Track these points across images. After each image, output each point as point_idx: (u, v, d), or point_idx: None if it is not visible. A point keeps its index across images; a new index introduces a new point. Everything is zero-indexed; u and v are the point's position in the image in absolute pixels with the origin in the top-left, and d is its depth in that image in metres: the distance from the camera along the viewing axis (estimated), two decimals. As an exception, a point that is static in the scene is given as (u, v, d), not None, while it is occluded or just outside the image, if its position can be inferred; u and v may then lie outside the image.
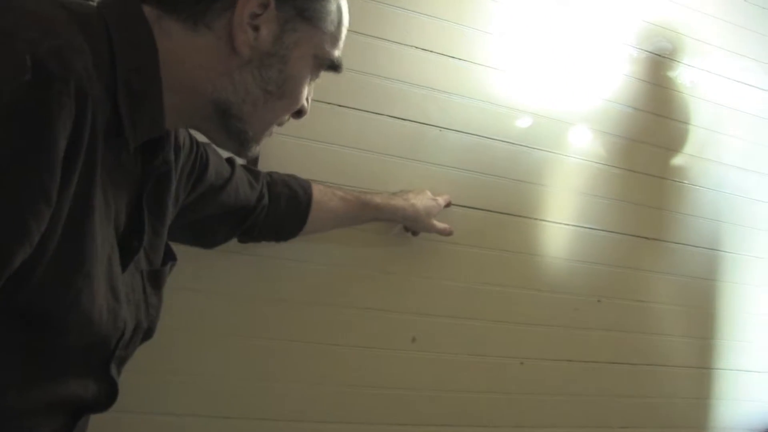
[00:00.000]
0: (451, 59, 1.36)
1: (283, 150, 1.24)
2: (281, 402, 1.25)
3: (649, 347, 1.60)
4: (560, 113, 1.47)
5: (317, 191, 1.14)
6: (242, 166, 1.06)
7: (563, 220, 1.50)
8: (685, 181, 1.63)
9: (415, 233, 1.32)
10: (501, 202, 1.42)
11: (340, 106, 1.28)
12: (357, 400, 1.32)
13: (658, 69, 1.58)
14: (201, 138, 0.83)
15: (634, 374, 1.58)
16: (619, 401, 1.57)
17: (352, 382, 1.31)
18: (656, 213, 1.60)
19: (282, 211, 1.08)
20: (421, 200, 1.26)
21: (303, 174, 1.21)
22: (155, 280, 0.78)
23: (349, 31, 1.27)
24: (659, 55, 1.58)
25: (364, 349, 1.32)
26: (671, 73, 1.60)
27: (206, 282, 1.19)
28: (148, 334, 0.78)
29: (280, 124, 0.78)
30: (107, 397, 0.72)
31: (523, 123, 1.44)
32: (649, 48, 1.57)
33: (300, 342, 1.27)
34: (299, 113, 0.79)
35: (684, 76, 1.62)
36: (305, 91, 0.75)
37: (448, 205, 1.34)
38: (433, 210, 1.27)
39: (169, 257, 0.83)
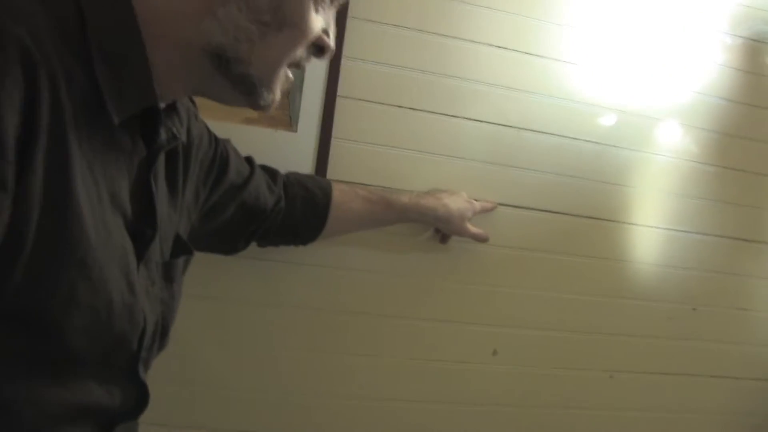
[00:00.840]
0: (527, 56, 1.29)
1: (352, 156, 1.20)
2: (366, 419, 1.21)
3: (752, 359, 1.47)
4: (647, 108, 1.37)
5: (337, 192, 1.07)
6: (260, 166, 1.00)
7: (654, 223, 1.39)
8: (789, 177, 1.48)
9: (444, 239, 1.24)
10: (586, 206, 1.33)
11: (412, 109, 1.23)
12: (434, 417, 1.26)
13: (755, 55, 1.45)
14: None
15: (737, 389, 1.45)
16: (719, 418, 1.45)
17: (429, 398, 1.26)
18: (756, 212, 1.46)
19: (298, 212, 1.03)
20: (455, 201, 1.17)
21: (375, 182, 1.17)
22: (166, 272, 0.70)
23: (420, 31, 1.26)
24: (756, 41, 1.45)
25: (440, 363, 1.27)
26: (770, 60, 1.47)
27: (253, 291, 1.16)
28: (163, 336, 0.70)
29: (297, 66, 0.66)
30: (137, 402, 0.66)
31: (607, 120, 1.34)
32: (745, 33, 1.44)
33: (373, 356, 1.22)
34: (321, 51, 0.67)
35: (785, 62, 1.48)
36: (312, 17, 0.63)
37: (490, 209, 1.26)
38: (468, 213, 1.19)
39: (182, 250, 0.75)
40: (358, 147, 1.21)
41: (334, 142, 1.19)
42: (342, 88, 1.19)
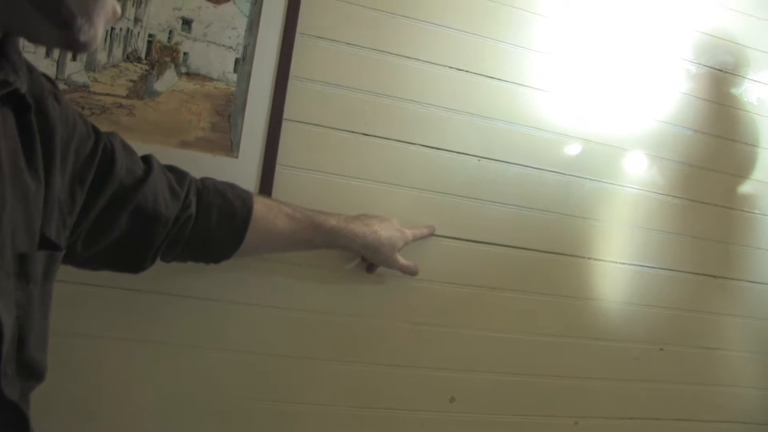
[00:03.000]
0: (489, 80, 1.21)
1: (298, 185, 1.10)
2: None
3: (720, 401, 1.41)
4: (613, 138, 1.31)
5: (260, 205, 0.93)
6: (166, 166, 0.86)
7: (619, 259, 1.32)
8: (756, 211, 1.44)
9: (371, 268, 1.12)
10: (549, 240, 1.26)
11: (365, 135, 1.13)
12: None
13: (719, 86, 1.41)
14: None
15: (705, 433, 1.39)
16: (688, 465, 1.37)
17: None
18: (723, 248, 1.41)
19: (213, 225, 0.87)
20: (386, 229, 1.07)
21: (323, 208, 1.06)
22: (21, 267, 0.57)
23: (375, 50, 1.17)
24: (720, 70, 1.41)
25: (390, 411, 1.16)
26: (735, 90, 1.43)
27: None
28: (20, 349, 0.55)
29: None
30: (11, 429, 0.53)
31: (571, 150, 1.27)
32: (709, 62, 1.40)
33: (307, 405, 1.11)
34: None
35: (749, 92, 1.44)
36: None
37: (426, 235, 1.15)
38: (398, 242, 1.08)
39: (45, 245, 0.61)
40: (305, 175, 1.11)
41: (279, 170, 1.09)
42: (289, 111, 1.09)
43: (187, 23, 1.14)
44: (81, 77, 1.08)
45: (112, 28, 1.11)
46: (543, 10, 1.25)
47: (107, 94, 1.09)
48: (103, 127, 0.78)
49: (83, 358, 0.99)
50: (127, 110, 1.09)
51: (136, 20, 1.12)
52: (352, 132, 1.13)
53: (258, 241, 0.93)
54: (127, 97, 1.09)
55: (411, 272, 1.12)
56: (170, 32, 1.13)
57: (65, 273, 0.69)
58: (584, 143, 1.28)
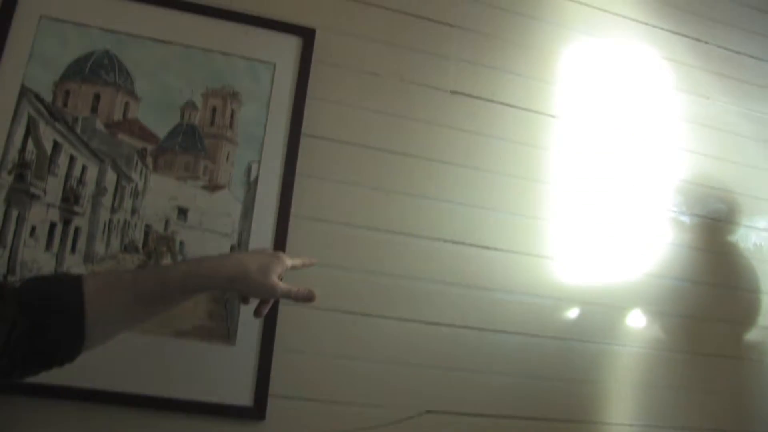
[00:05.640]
0: (484, 250, 1.22)
1: (298, 370, 1.08)
2: None
3: None
4: (612, 298, 1.30)
5: (91, 285, 0.78)
6: None
7: (626, 420, 1.28)
8: (766, 358, 1.41)
9: (245, 300, 0.94)
10: (555, 408, 1.22)
11: (363, 315, 1.13)
12: None
13: (714, 234, 1.41)
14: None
15: None
16: None
17: None
18: (735, 399, 1.37)
19: (52, 331, 0.75)
20: (254, 257, 0.90)
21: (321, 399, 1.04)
22: None
23: (369, 228, 1.18)
24: (714, 219, 1.42)
25: None
26: (731, 238, 1.43)
27: None
28: None
29: None
30: None
31: (571, 314, 1.26)
32: (702, 212, 1.41)
33: None
34: None
35: (746, 238, 1.44)
36: None
37: (308, 264, 0.97)
38: (274, 267, 0.88)
39: None
40: (304, 360, 1.10)
41: (276, 356, 1.08)
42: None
43: (183, 212, 1.16)
44: (79, 269, 1.09)
45: (110, 220, 1.13)
46: (540, 177, 1.28)
47: (104, 291, 1.09)
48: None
49: None
50: (122, 307, 1.09)
51: (133, 211, 1.14)
52: (350, 313, 1.13)
53: (104, 326, 0.80)
54: (124, 291, 1.10)
55: (303, 298, 0.91)
56: (166, 222, 1.15)
57: None
58: (583, 306, 1.27)
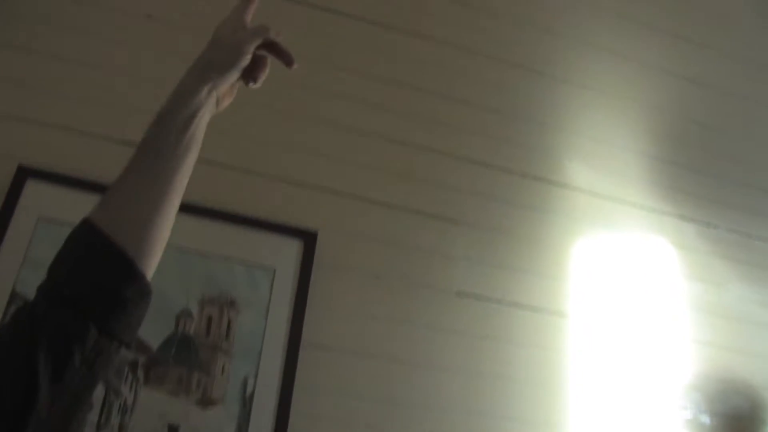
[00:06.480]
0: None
1: None
2: None
3: None
4: None
5: (98, 213, 0.56)
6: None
7: None
8: None
9: (255, 78, 0.67)
10: None
11: None
12: None
13: (738, 434, 1.33)
14: None
15: None
16: None
17: None
18: None
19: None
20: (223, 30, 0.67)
21: None
22: None
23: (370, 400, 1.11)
24: (736, 417, 1.34)
25: None
26: (755, 437, 1.35)
27: None
28: None
29: None
30: None
31: None
32: (722, 409, 1.33)
33: None
34: None
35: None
36: None
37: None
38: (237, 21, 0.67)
39: None
40: None
41: None
42: None
43: (173, 430, 1.10)
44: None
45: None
46: (553, 382, 1.22)
47: None
48: None
49: None
50: None
51: (121, 428, 1.08)
52: None
53: (151, 238, 0.59)
54: None
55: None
56: (155, 442, 1.08)
57: None
58: None
